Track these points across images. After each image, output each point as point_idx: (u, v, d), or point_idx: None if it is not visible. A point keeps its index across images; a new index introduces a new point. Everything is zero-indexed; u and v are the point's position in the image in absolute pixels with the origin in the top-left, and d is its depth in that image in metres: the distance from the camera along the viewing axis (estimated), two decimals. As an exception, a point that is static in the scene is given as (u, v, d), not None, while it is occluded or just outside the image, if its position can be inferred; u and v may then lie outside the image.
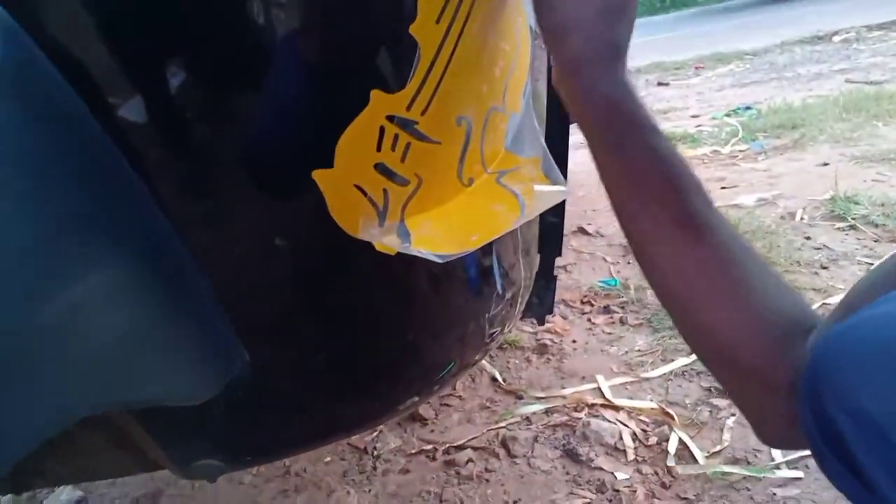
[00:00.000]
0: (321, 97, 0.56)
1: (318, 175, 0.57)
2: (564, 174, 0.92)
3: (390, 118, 0.57)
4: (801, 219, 2.30)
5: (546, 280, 1.10)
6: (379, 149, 0.58)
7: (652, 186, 0.55)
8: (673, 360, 1.59)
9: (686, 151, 3.48)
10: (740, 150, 3.33)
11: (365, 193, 0.60)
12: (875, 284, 0.47)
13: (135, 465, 0.82)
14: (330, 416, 0.78)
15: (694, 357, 1.58)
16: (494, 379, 1.66)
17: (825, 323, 0.52)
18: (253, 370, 0.64)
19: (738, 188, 2.68)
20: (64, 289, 0.44)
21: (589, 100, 0.56)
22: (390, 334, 0.76)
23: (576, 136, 1.01)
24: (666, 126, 3.99)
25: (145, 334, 0.51)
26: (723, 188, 2.71)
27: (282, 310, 0.66)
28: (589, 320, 1.85)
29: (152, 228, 0.52)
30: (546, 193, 0.70)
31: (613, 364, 1.63)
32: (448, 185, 0.65)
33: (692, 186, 0.55)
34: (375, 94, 0.56)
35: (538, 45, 0.80)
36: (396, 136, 0.58)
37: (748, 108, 4.40)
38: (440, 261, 0.61)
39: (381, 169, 0.59)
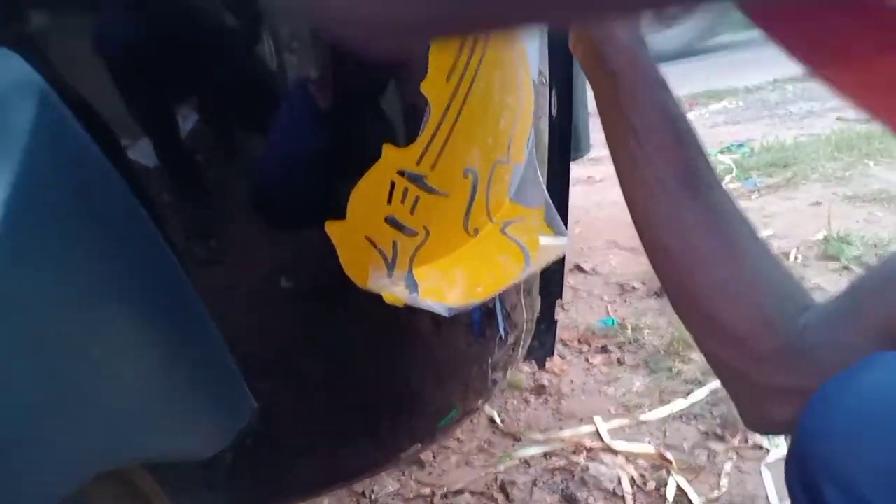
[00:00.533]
0: (335, 151, 0.57)
1: (331, 227, 0.58)
2: (565, 221, 0.93)
3: (401, 172, 0.59)
4: (795, 259, 2.32)
5: (547, 323, 1.10)
6: (389, 202, 0.59)
7: (658, 139, 0.55)
8: (670, 402, 1.59)
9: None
10: (734, 188, 3.37)
11: (375, 245, 0.61)
12: (885, 290, 0.47)
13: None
14: (334, 463, 0.78)
15: (691, 400, 1.58)
16: (492, 420, 1.66)
17: (827, 310, 0.52)
18: (261, 419, 0.64)
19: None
20: (82, 347, 0.44)
21: (609, 50, 0.56)
22: (395, 381, 0.76)
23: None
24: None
25: (162, 390, 0.51)
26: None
27: (290, 357, 0.67)
28: (587, 360, 1.85)
29: (170, 283, 0.53)
30: (550, 247, 0.71)
31: (611, 405, 1.63)
32: (455, 236, 0.66)
33: (696, 146, 0.56)
34: (387, 149, 0.57)
35: (542, 85, 0.82)
36: (406, 190, 0.60)
37: (741, 145, 4.45)
38: (447, 314, 0.62)
39: (391, 221, 0.60)
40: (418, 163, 0.59)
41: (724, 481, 1.31)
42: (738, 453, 1.39)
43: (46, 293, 0.41)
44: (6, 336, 0.39)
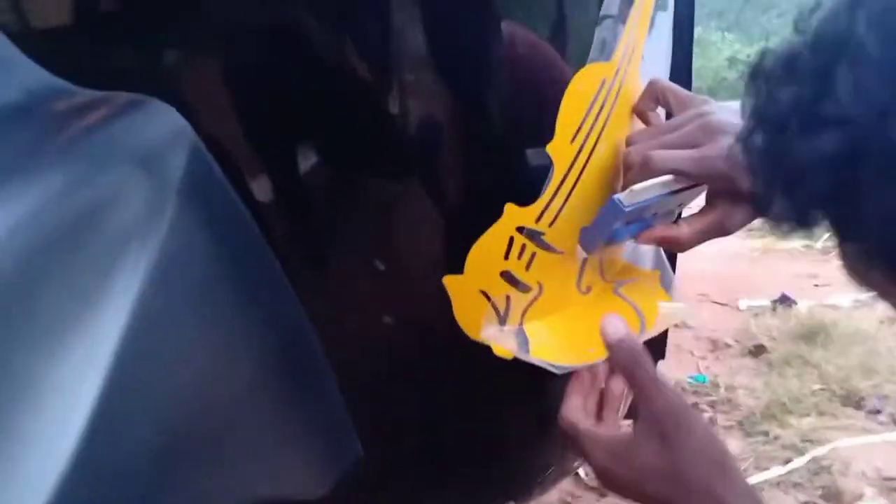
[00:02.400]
0: (460, 208, 0.58)
1: (449, 280, 0.59)
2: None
3: (520, 229, 0.59)
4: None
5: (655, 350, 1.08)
6: (507, 257, 0.60)
7: None
8: (767, 469, 1.52)
9: (776, 244, 3.38)
10: (833, 247, 3.22)
11: (489, 298, 0.61)
12: None
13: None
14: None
15: (790, 467, 1.51)
16: (577, 474, 1.62)
17: None
18: (361, 465, 0.65)
19: (831, 286, 2.59)
20: (216, 399, 0.47)
21: None
22: (497, 435, 0.76)
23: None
24: (753, 216, 3.89)
25: (277, 430, 0.53)
26: (816, 286, 2.62)
27: (397, 406, 0.68)
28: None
29: (294, 324, 0.55)
30: (668, 314, 0.70)
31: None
32: (567, 293, 0.66)
33: None
34: (509, 207, 0.58)
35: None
36: (524, 246, 0.60)
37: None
38: (558, 372, 0.62)
39: (507, 276, 0.61)
40: (537, 220, 0.60)
41: (826, 560, 1.24)
42: (841, 531, 1.31)
43: (188, 349, 0.44)
44: (149, 381, 0.42)
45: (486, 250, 0.59)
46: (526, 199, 0.59)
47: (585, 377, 0.61)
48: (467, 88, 0.59)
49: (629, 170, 0.60)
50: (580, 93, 0.58)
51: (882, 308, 2.34)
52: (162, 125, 0.48)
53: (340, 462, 0.62)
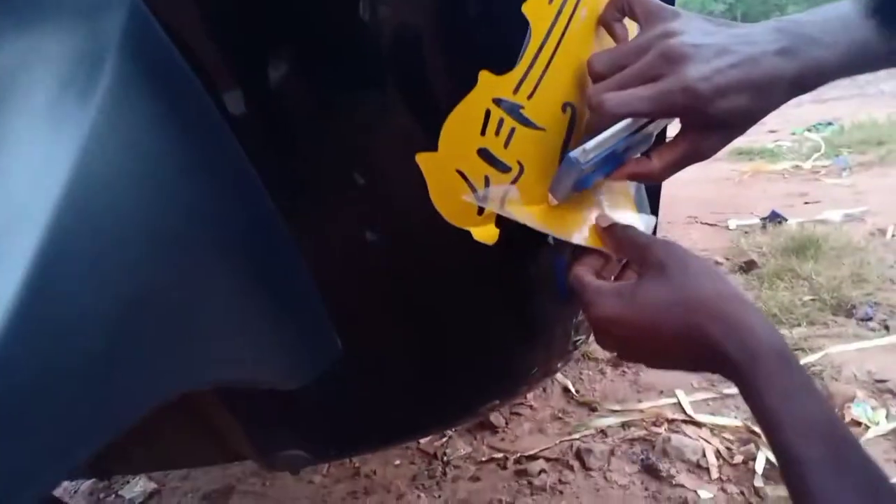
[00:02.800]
0: (430, 77, 0.54)
1: (422, 158, 0.56)
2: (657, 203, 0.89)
3: (497, 101, 0.56)
4: (893, 236, 2.18)
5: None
6: (483, 133, 0.56)
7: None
8: (757, 378, 1.52)
9: (765, 166, 3.36)
10: (823, 166, 3.21)
11: (466, 179, 0.58)
12: None
13: (217, 454, 0.82)
14: (414, 413, 0.76)
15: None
16: (567, 390, 1.62)
17: None
18: (344, 362, 0.63)
19: (822, 203, 2.57)
20: (172, 265, 0.44)
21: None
22: (479, 334, 0.74)
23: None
24: (742, 141, 3.87)
25: (248, 311, 0.50)
26: (806, 203, 2.60)
27: (375, 302, 0.65)
28: (666, 334, 1.79)
29: (256, 205, 0.51)
30: (631, 220, 0.69)
31: (693, 379, 1.57)
32: (550, 174, 0.63)
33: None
34: (484, 76, 0.54)
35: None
36: (501, 121, 0.57)
37: (829, 123, 4.25)
38: (551, 241, 0.62)
39: (484, 154, 0.57)
40: (515, 91, 0.56)
41: (817, 459, 1.24)
42: (832, 431, 1.31)
43: (133, 204, 0.41)
44: (93, 243, 0.39)
45: (462, 124, 0.55)
46: (502, 66, 0.55)
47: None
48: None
49: (589, 112, 0.58)
50: (557, -54, 0.54)
51: (872, 221, 2.33)
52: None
53: (317, 356, 0.60)
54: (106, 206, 0.39)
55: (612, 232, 0.60)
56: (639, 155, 0.59)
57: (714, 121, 0.52)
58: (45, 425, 0.34)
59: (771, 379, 0.45)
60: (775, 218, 2.42)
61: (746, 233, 2.37)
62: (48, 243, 0.35)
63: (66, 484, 1.54)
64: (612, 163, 0.59)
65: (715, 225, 2.51)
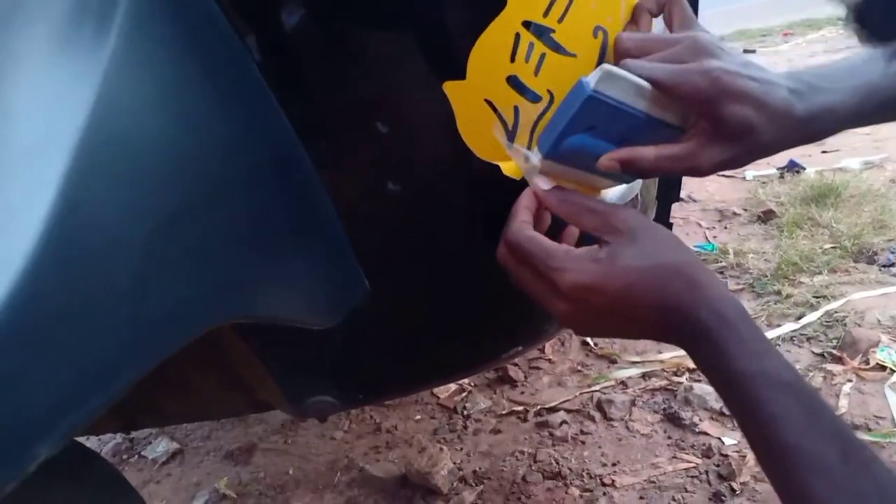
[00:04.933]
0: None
1: (449, 87, 0.53)
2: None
3: (526, 24, 0.53)
4: (914, 182, 2.15)
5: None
6: (513, 59, 0.54)
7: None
8: (780, 326, 1.50)
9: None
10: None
11: (495, 110, 0.56)
12: None
13: (246, 404, 0.82)
14: (441, 357, 0.75)
15: (803, 321, 1.49)
16: (585, 343, 1.61)
17: None
18: (372, 304, 0.61)
19: (840, 152, 2.53)
20: (197, 191, 0.42)
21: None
22: (503, 277, 0.73)
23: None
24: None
25: (274, 242, 0.49)
26: (824, 152, 2.56)
27: (403, 244, 0.63)
28: (685, 284, 1.77)
29: (283, 142, 0.50)
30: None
31: (714, 328, 1.56)
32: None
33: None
34: (513, -4, 0.51)
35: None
36: (531, 45, 0.54)
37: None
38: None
39: (514, 83, 0.55)
40: (545, 14, 0.53)
41: (842, 402, 1.23)
42: (857, 374, 1.30)
43: (157, 128, 0.39)
44: (119, 167, 0.37)
45: (490, 49, 0.53)
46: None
47: (530, 201, 0.56)
48: None
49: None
50: None
51: (892, 168, 2.29)
52: None
53: (345, 294, 0.58)
54: (130, 128, 0.38)
55: (564, 198, 0.54)
56: None
57: (722, 124, 0.51)
58: (80, 352, 0.33)
59: (742, 343, 0.47)
60: (793, 167, 2.38)
61: (764, 183, 2.33)
62: (74, 167, 0.34)
63: (91, 442, 1.55)
64: (604, 144, 0.54)
65: (732, 176, 2.47)
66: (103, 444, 1.58)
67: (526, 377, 1.55)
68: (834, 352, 1.37)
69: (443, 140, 0.57)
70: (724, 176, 2.47)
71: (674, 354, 1.48)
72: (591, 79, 0.50)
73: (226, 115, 0.45)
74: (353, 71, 0.53)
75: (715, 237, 2.00)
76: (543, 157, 0.54)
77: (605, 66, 0.50)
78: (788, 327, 1.49)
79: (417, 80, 0.55)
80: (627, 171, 0.55)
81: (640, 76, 0.51)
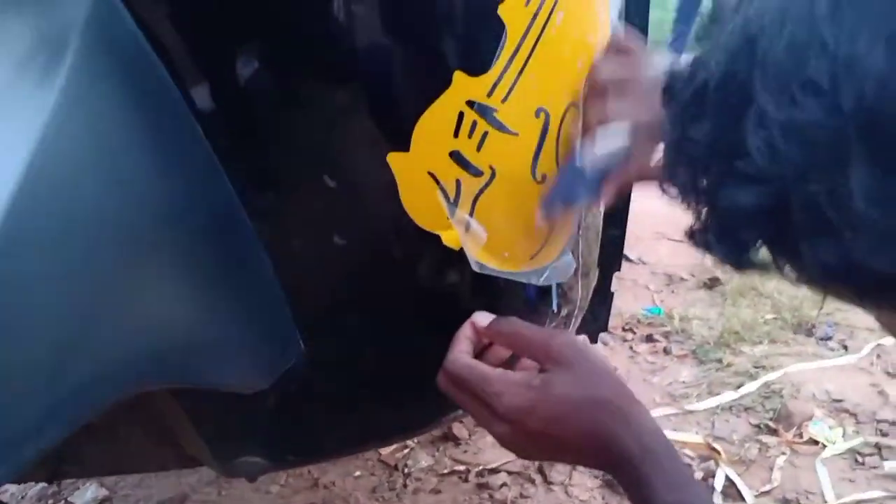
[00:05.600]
0: (404, 76, 0.53)
1: (394, 158, 0.54)
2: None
3: (470, 103, 0.55)
4: None
5: (602, 296, 1.06)
6: (456, 135, 0.56)
7: None
8: (719, 394, 1.53)
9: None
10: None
11: (437, 182, 0.57)
12: None
13: (173, 459, 0.80)
14: (377, 419, 0.75)
15: (742, 391, 1.52)
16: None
17: None
18: (307, 365, 0.61)
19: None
20: (129, 256, 0.42)
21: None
22: (445, 338, 0.73)
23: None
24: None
25: (211, 312, 0.48)
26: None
27: (340, 304, 0.64)
28: (631, 348, 1.79)
29: (219, 200, 0.50)
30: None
31: (657, 395, 1.58)
32: (521, 181, 0.62)
33: None
34: (458, 76, 0.53)
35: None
36: (475, 123, 0.56)
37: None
38: (477, 269, 0.60)
39: (456, 157, 0.57)
40: (489, 94, 0.55)
41: (776, 475, 1.25)
42: (791, 447, 1.33)
43: (93, 192, 0.39)
44: (50, 230, 0.37)
45: (434, 125, 0.54)
46: (477, 68, 0.54)
47: (470, 332, 0.60)
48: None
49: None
50: (535, -51, 0.53)
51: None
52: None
53: (279, 357, 0.58)
54: (64, 192, 0.38)
55: (501, 328, 0.58)
56: None
57: None
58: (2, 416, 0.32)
59: (665, 475, 0.49)
60: (739, 237, 2.45)
61: (711, 251, 2.39)
62: (3, 229, 0.34)
63: (13, 489, 1.48)
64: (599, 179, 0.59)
65: (682, 241, 2.53)
66: (27, 489, 1.51)
67: (470, 435, 1.53)
68: (770, 423, 1.40)
69: (386, 203, 0.58)
70: (674, 240, 2.53)
71: (616, 419, 1.49)
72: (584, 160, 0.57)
73: (166, 180, 0.45)
74: (301, 135, 0.54)
75: (662, 301, 2.04)
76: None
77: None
78: (728, 396, 1.51)
79: (363, 148, 0.56)
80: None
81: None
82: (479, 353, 0.60)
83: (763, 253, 0.33)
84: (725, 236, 0.33)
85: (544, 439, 0.53)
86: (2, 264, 0.34)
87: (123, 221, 0.42)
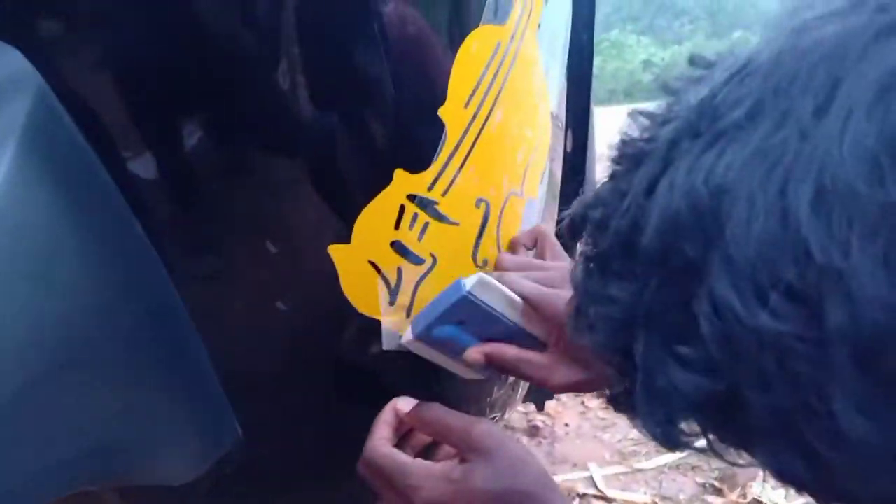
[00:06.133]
0: (345, 173, 0.55)
1: (334, 250, 0.56)
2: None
3: (411, 197, 0.57)
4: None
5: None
6: (397, 227, 0.57)
7: None
8: (667, 453, 1.55)
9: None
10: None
11: (379, 271, 0.58)
12: None
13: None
14: (319, 499, 0.74)
15: (688, 451, 1.54)
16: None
17: None
18: (244, 446, 0.61)
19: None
20: (62, 356, 0.42)
21: None
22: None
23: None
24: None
25: (141, 407, 0.49)
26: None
27: (279, 383, 0.64)
28: (582, 403, 1.81)
29: (157, 295, 0.50)
30: None
31: (607, 452, 1.59)
32: (462, 266, 0.64)
33: None
34: (399, 174, 0.55)
35: (557, 128, 0.80)
36: (415, 216, 0.58)
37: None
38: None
39: (398, 247, 0.58)
40: (430, 188, 0.57)
41: (720, 538, 1.27)
42: (735, 509, 1.35)
43: (24, 298, 0.39)
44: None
45: (375, 219, 0.56)
46: (418, 165, 0.56)
47: (392, 417, 0.58)
48: (353, 58, 0.55)
49: None
50: (473, 55, 0.56)
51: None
52: (1, 66, 0.43)
53: (215, 444, 0.58)
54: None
55: (423, 415, 0.56)
56: None
57: (577, 350, 0.54)
58: None
59: None
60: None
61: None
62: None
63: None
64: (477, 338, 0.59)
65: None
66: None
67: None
68: (715, 483, 1.42)
69: (326, 291, 0.59)
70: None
71: (566, 477, 1.50)
72: (468, 282, 0.55)
73: (101, 275, 0.45)
74: (241, 229, 0.55)
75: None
76: (414, 338, 0.57)
77: (482, 274, 0.55)
78: (675, 455, 1.53)
79: (303, 241, 0.57)
80: (489, 366, 0.58)
81: (512, 290, 0.56)
82: (402, 436, 0.59)
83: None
84: (656, 413, 0.29)
85: None
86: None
87: (57, 322, 0.42)
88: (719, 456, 0.30)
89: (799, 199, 0.23)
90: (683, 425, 0.29)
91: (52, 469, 0.42)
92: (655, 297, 0.27)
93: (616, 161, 0.32)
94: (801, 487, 0.27)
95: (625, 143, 0.32)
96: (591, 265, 0.31)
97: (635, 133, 0.31)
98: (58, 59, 0.46)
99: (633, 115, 0.33)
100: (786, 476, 0.27)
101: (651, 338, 0.28)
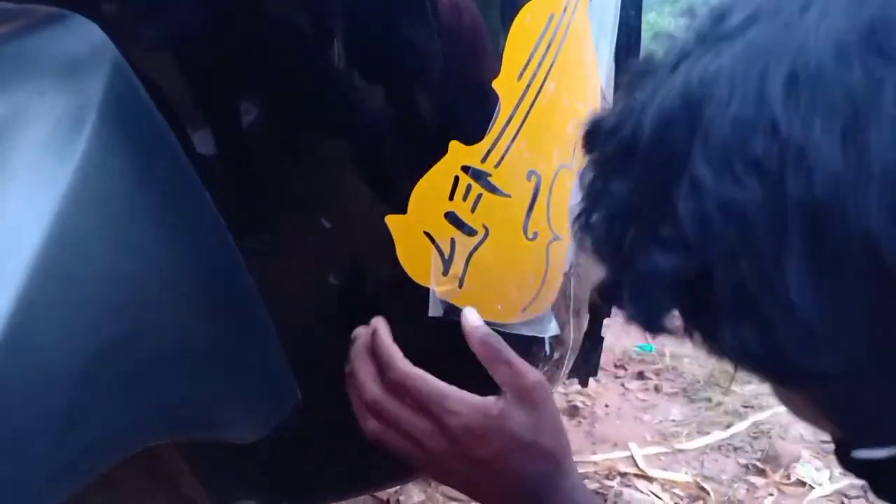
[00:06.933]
0: (402, 144, 0.56)
1: (391, 220, 0.57)
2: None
3: (465, 169, 0.58)
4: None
5: (593, 341, 1.08)
6: (451, 198, 0.58)
7: None
8: (709, 433, 1.55)
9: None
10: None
11: (433, 241, 0.60)
12: None
13: (169, 501, 0.81)
14: (371, 465, 0.76)
15: (731, 431, 1.54)
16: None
17: None
18: (303, 412, 0.63)
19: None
20: (135, 320, 0.44)
21: None
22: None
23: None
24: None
25: (211, 369, 0.51)
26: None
27: (338, 352, 0.66)
28: (622, 385, 1.81)
29: (225, 262, 0.52)
30: None
31: (647, 432, 1.59)
32: (513, 238, 0.65)
33: None
34: (454, 145, 0.56)
35: (606, 104, 0.81)
36: (469, 187, 0.59)
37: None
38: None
39: (451, 218, 0.59)
40: (483, 160, 0.58)
41: (764, 516, 1.27)
42: (779, 489, 1.34)
43: (105, 266, 0.41)
44: (64, 305, 0.39)
45: (430, 190, 0.57)
46: (472, 137, 0.57)
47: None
48: (405, 31, 0.57)
49: None
50: (528, 27, 0.57)
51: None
52: (82, 40, 0.45)
53: (276, 407, 0.60)
54: (77, 264, 0.40)
55: (488, 340, 0.55)
56: None
57: None
58: (10, 483, 0.34)
59: None
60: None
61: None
62: (18, 306, 0.36)
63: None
64: None
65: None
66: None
67: (462, 471, 1.55)
68: (758, 464, 1.42)
69: (384, 260, 0.60)
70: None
71: (607, 456, 1.51)
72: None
73: (175, 243, 0.47)
74: (303, 200, 0.57)
75: (653, 338, 2.06)
76: None
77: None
78: (717, 436, 1.53)
79: (362, 211, 0.59)
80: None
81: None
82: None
83: (677, 320, 0.32)
84: (640, 298, 0.32)
85: (481, 469, 0.52)
86: (20, 331, 0.36)
87: (131, 288, 0.44)
88: (692, 342, 0.33)
89: (774, 82, 0.26)
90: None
91: (127, 427, 0.44)
92: (645, 188, 0.31)
93: (636, 76, 0.35)
94: (757, 367, 0.30)
95: (644, 61, 0.35)
96: (598, 169, 0.34)
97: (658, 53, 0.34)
98: (130, 35, 0.48)
99: (657, 36, 0.36)
100: (743, 353, 0.29)
101: (639, 226, 0.31)
